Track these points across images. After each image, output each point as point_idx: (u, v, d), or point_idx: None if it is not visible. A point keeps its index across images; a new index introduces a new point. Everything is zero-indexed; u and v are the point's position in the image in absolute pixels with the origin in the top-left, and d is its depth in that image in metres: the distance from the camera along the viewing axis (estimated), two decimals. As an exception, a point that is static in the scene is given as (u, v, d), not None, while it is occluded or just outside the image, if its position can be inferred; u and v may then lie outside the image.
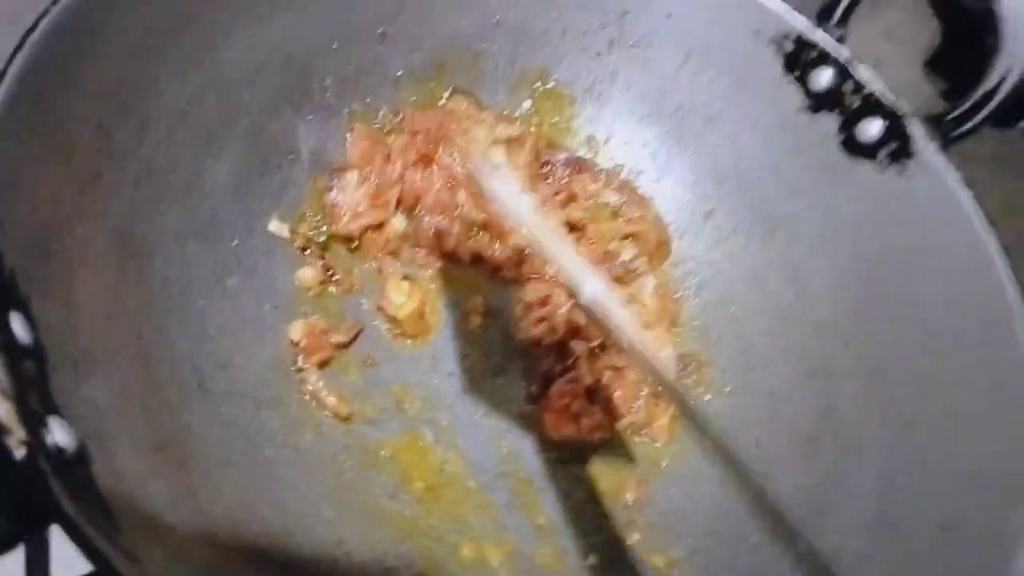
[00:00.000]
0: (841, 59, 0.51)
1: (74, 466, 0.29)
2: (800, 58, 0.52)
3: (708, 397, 0.52)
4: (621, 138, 0.59)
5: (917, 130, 0.49)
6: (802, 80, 0.53)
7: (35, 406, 0.29)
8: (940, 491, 0.42)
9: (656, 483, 0.50)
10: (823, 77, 0.52)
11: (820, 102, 0.52)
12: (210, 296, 0.45)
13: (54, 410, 0.29)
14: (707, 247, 0.57)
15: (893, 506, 0.43)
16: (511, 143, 0.55)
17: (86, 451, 0.29)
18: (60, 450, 0.28)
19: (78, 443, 0.29)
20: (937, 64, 0.82)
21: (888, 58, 0.85)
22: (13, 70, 0.34)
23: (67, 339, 0.34)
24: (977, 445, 0.43)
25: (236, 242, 0.47)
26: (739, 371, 0.52)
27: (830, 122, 0.52)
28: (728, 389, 0.52)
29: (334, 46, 0.52)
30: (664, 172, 0.58)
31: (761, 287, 0.55)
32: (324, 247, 0.52)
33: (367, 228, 0.52)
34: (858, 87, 0.51)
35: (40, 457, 0.26)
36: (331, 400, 0.46)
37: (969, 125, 0.50)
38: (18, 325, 0.31)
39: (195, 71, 0.45)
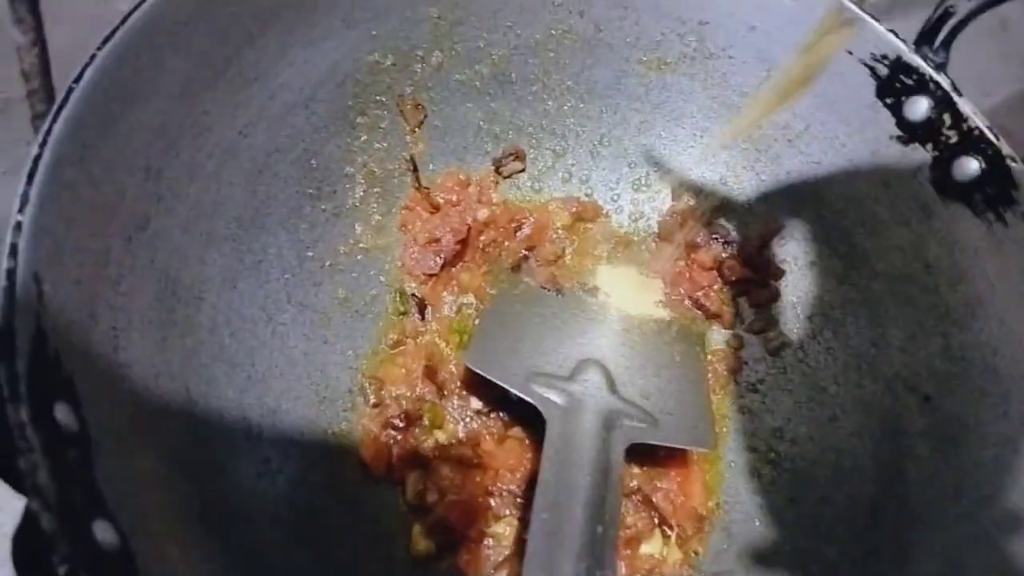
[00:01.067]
0: (941, 88, 0.46)
1: (118, 568, 0.29)
2: (896, 84, 0.47)
3: (770, 453, 0.50)
4: (689, 156, 0.56)
5: (1021, 175, 0.44)
6: (896, 108, 0.48)
7: (79, 506, 0.28)
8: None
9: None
10: (919, 106, 0.47)
11: (914, 133, 0.48)
12: (260, 336, 0.44)
13: (99, 508, 0.29)
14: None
15: (958, 592, 0.41)
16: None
17: (130, 547, 0.29)
18: (103, 557, 0.28)
19: (121, 540, 0.29)
20: None
21: (1014, 20, 0.78)
22: (57, 131, 0.33)
23: (113, 411, 0.34)
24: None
25: (287, 276, 0.46)
26: (804, 420, 0.50)
27: (923, 156, 0.47)
28: (791, 440, 0.50)
29: (391, 62, 0.50)
30: (736, 194, 0.55)
31: (834, 329, 0.51)
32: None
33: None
34: (957, 121, 0.46)
35: (83, 573, 0.26)
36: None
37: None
38: (63, 414, 0.30)
39: (245, 103, 0.44)
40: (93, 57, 0.36)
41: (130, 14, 0.37)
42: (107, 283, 0.36)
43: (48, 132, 0.33)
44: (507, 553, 0.44)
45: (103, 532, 0.29)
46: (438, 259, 0.51)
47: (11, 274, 0.30)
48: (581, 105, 0.55)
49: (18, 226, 0.31)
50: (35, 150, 0.33)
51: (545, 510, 0.38)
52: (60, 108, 0.34)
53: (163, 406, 0.38)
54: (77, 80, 0.34)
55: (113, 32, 0.37)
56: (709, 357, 0.52)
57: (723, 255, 0.54)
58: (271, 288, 0.46)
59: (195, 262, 0.42)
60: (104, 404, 0.33)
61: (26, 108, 0.53)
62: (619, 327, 0.51)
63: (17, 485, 0.29)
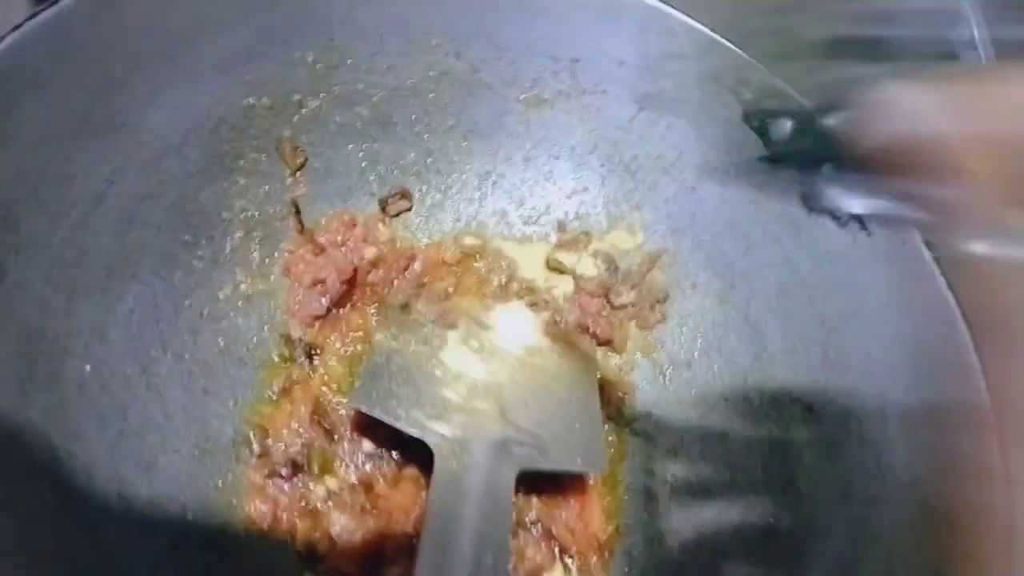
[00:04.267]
0: (802, 108, 0.48)
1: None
2: (760, 106, 0.50)
3: (666, 474, 0.50)
4: (572, 188, 0.57)
5: (879, 187, 0.46)
6: (762, 129, 0.50)
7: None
8: (900, 577, 0.41)
9: None
10: (783, 127, 0.50)
11: (780, 153, 0.50)
12: (132, 389, 0.42)
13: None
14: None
15: (852, 596, 0.41)
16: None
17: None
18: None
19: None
20: None
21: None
22: None
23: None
24: (936, 527, 0.41)
25: (163, 326, 0.45)
26: (697, 439, 0.51)
27: (790, 174, 0.50)
28: (686, 459, 0.50)
29: (268, 105, 0.50)
30: (618, 224, 0.56)
31: (719, 346, 0.53)
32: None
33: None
34: (820, 138, 0.48)
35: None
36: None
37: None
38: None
39: (112, 150, 0.42)
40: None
41: (-24, 60, 0.36)
42: (-46, 340, 0.34)
43: None
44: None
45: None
46: (323, 300, 0.50)
47: None
48: (464, 143, 0.56)
49: None
50: None
51: (430, 547, 0.37)
52: None
53: (25, 466, 0.35)
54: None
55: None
56: (600, 382, 0.52)
57: (609, 282, 0.54)
58: (145, 339, 0.44)
59: (60, 314, 0.40)
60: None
61: None
62: (510, 357, 0.51)
63: None
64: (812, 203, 0.50)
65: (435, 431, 0.43)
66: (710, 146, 0.53)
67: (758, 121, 0.50)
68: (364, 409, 0.43)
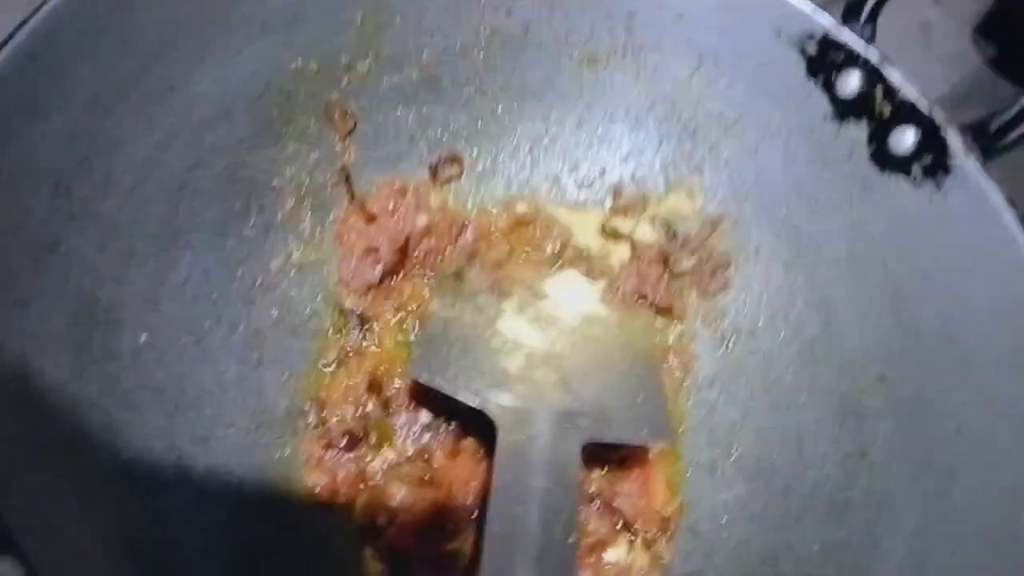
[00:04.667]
0: (871, 61, 0.46)
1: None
2: (825, 61, 0.47)
3: (731, 447, 0.48)
4: (627, 150, 0.55)
5: (955, 141, 0.44)
6: (828, 85, 0.48)
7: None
8: (982, 553, 0.39)
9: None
10: (851, 81, 0.47)
11: (848, 109, 0.47)
12: (187, 360, 0.42)
13: (4, 545, 0.26)
14: (724, 270, 0.53)
15: (930, 571, 0.39)
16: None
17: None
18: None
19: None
20: (987, 29, 0.77)
21: (935, 22, 0.80)
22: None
23: (27, 441, 0.31)
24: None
25: (216, 296, 0.44)
26: (763, 410, 0.49)
27: (859, 131, 0.47)
28: (752, 431, 0.48)
29: (315, 69, 0.48)
30: (676, 187, 0.54)
31: (784, 315, 0.50)
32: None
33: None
34: (889, 92, 0.46)
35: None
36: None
37: (1013, 136, 0.45)
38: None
39: (162, 116, 0.41)
40: (-9, 64, 0.33)
41: (27, 20, 0.35)
42: (15, 306, 0.33)
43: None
44: (465, 572, 0.42)
45: (7, 569, 0.26)
46: (377, 269, 0.49)
47: None
48: (515, 106, 0.54)
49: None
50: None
51: (497, 520, 0.35)
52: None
53: (82, 437, 0.35)
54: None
55: (9, 38, 0.34)
56: (660, 353, 0.50)
57: (669, 248, 0.52)
58: (199, 309, 0.43)
59: (113, 283, 0.39)
60: (16, 434, 0.31)
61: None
62: (567, 327, 0.49)
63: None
64: (884, 161, 0.47)
65: (496, 402, 0.42)
66: (773, 104, 0.50)
67: (824, 76, 0.48)
68: (423, 380, 0.42)
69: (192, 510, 0.38)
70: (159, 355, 0.40)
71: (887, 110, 0.46)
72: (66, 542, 0.31)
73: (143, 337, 0.40)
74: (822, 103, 0.48)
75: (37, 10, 0.35)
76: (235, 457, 0.41)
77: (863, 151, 0.47)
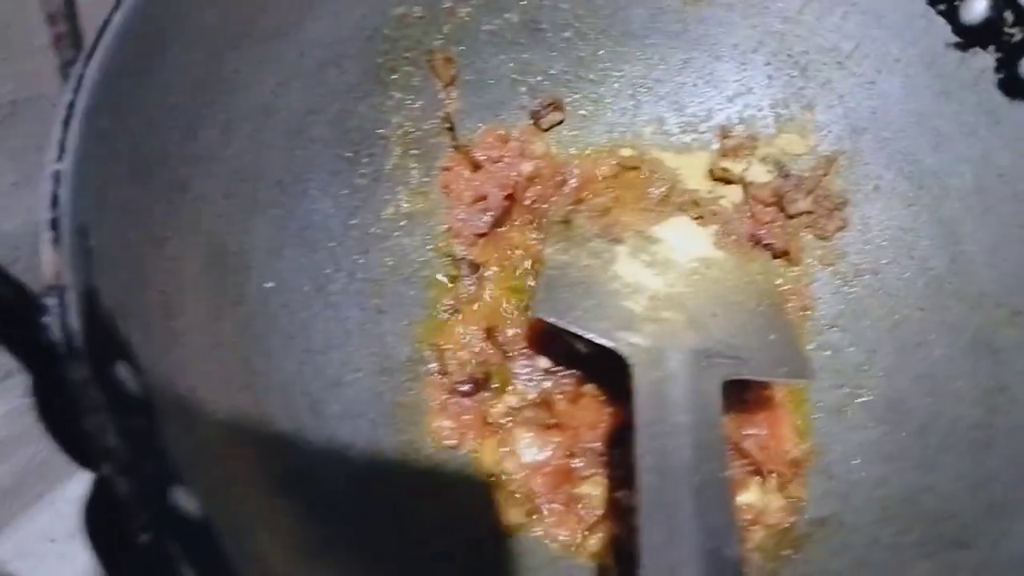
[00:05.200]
0: (999, -16, 0.43)
1: (202, 542, 0.25)
2: (948, -14, 0.45)
3: (858, 388, 0.47)
4: (734, 90, 0.53)
5: (1096, 64, 0.41)
6: (950, 12, 0.46)
7: (153, 474, 0.25)
8: None
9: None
10: (976, 6, 0.45)
11: (973, 36, 0.45)
12: (311, 307, 0.41)
13: (175, 477, 0.26)
14: (844, 208, 0.51)
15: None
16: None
17: (212, 520, 0.26)
18: (187, 526, 0.25)
19: (203, 512, 0.26)
20: None
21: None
22: (90, 76, 0.30)
23: (174, 380, 0.30)
24: None
25: (333, 244, 0.43)
26: (891, 351, 0.47)
27: (986, 59, 0.45)
28: (880, 372, 0.47)
29: (419, 15, 0.47)
30: (787, 126, 0.52)
31: (909, 252, 0.48)
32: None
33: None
34: (1020, 17, 0.43)
35: (169, 541, 0.23)
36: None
37: None
38: (125, 375, 0.27)
39: (276, 60, 0.41)
40: (119, 3, 0.33)
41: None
42: (154, 245, 0.33)
43: (81, 77, 0.30)
44: (599, 514, 0.41)
45: (183, 499, 0.26)
46: (487, 217, 0.48)
47: (55, 224, 0.27)
48: (617, 49, 0.52)
49: (56, 175, 0.28)
50: (67, 96, 0.30)
51: (650, 452, 0.34)
52: (92, 51, 0.31)
53: (223, 378, 0.34)
54: (106, 23, 0.32)
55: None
56: (783, 293, 0.49)
57: (783, 189, 0.51)
58: (318, 257, 0.43)
59: (239, 229, 0.39)
60: (164, 373, 0.30)
61: (35, 110, 0.50)
62: (684, 270, 0.48)
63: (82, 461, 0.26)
64: (1014, 89, 0.45)
65: (627, 340, 0.40)
66: (891, 34, 0.48)
67: (946, 2, 0.46)
68: (551, 319, 0.41)
69: (331, 455, 0.38)
70: (285, 301, 0.40)
71: (1017, 35, 0.44)
72: (221, 479, 0.31)
73: (270, 283, 0.40)
74: (944, 31, 0.46)
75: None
76: (365, 402, 0.41)
77: (990, 79, 0.45)
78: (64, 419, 0.25)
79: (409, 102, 0.48)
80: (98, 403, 0.25)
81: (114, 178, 0.31)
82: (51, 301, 0.26)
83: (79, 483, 0.56)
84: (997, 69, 0.45)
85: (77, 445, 0.24)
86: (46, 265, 0.26)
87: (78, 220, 0.28)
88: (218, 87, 0.38)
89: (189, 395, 0.32)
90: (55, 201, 0.28)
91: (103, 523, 0.24)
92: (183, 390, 0.31)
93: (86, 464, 0.24)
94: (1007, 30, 0.44)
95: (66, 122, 0.29)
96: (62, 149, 0.29)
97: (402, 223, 0.48)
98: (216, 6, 0.37)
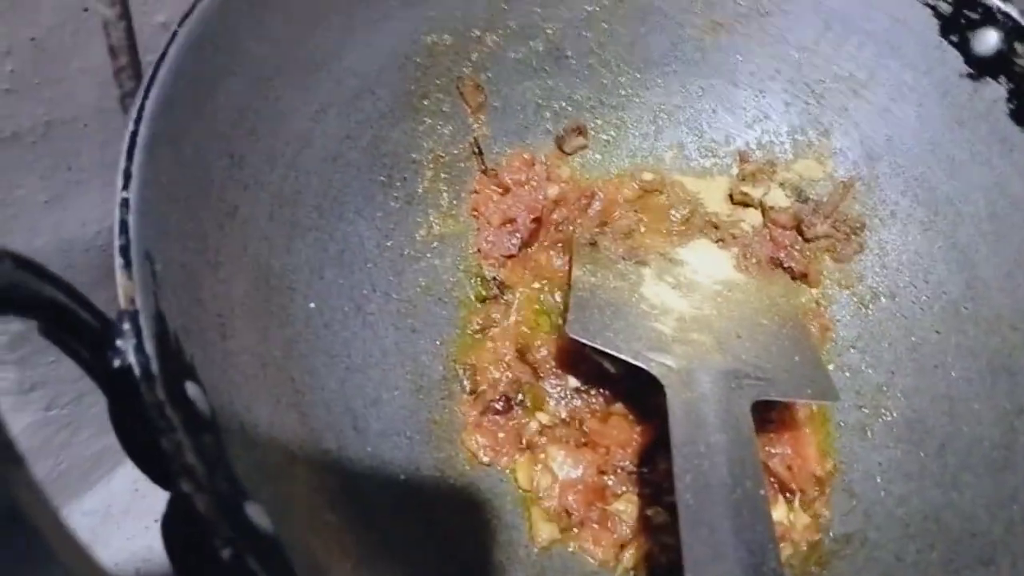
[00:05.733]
0: (1009, 18, 0.45)
1: (275, 556, 0.26)
2: (960, 19, 0.47)
3: (879, 409, 0.48)
4: (753, 116, 0.54)
5: (1104, 96, 0.43)
6: (963, 44, 0.47)
7: (226, 491, 0.26)
8: None
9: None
10: (988, 39, 0.46)
11: (985, 68, 0.47)
12: (351, 327, 0.42)
13: (246, 492, 0.27)
14: (860, 234, 0.52)
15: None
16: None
17: (279, 532, 0.27)
18: (262, 541, 0.26)
19: (271, 525, 0.27)
20: None
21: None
22: (150, 108, 0.31)
23: (232, 400, 0.31)
24: None
25: (370, 265, 0.45)
26: (910, 372, 0.48)
27: (997, 90, 0.47)
28: (899, 393, 0.48)
29: (448, 43, 0.49)
30: (805, 152, 0.54)
31: (925, 277, 0.50)
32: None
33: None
34: (1031, 49, 0.45)
35: (249, 556, 0.24)
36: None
37: None
38: (195, 395, 0.28)
39: (315, 88, 0.42)
40: (175, 34, 0.34)
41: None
42: (208, 268, 0.34)
43: (141, 108, 0.31)
44: (632, 530, 0.42)
45: (257, 515, 0.26)
46: (516, 239, 0.49)
47: (125, 251, 0.28)
48: (638, 75, 0.54)
49: (125, 203, 0.29)
50: (131, 126, 0.31)
51: (688, 471, 0.35)
52: (150, 83, 0.32)
53: (274, 396, 0.35)
54: (163, 57, 0.33)
55: (191, 10, 0.35)
56: (804, 315, 0.50)
57: (801, 213, 0.52)
58: (356, 278, 0.44)
59: (282, 251, 0.40)
60: (224, 392, 0.31)
61: (69, 131, 0.51)
62: (709, 292, 0.49)
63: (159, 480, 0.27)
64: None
65: (659, 362, 0.42)
66: (905, 64, 0.50)
67: (959, 34, 0.47)
68: (584, 340, 0.42)
69: (374, 472, 0.39)
70: (327, 321, 0.41)
71: (1028, 66, 0.45)
72: (282, 496, 0.32)
73: (312, 304, 0.41)
74: (957, 62, 0.48)
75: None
76: (403, 420, 0.42)
77: (1002, 109, 0.47)
78: (142, 439, 0.26)
79: (440, 127, 0.50)
80: (174, 423, 0.25)
81: (173, 205, 0.32)
82: (125, 326, 0.27)
83: (96, 496, 0.57)
84: (1009, 99, 0.46)
85: (155, 464, 0.25)
86: (120, 290, 0.27)
87: (144, 246, 0.29)
88: (262, 115, 0.39)
89: (245, 414, 0.32)
90: (124, 228, 0.29)
91: (183, 540, 0.25)
92: (240, 409, 0.32)
93: (164, 483, 0.25)
94: (1018, 61, 0.46)
95: (130, 152, 0.30)
96: (128, 177, 0.30)
97: (434, 245, 0.49)
98: (263, 39, 0.38)
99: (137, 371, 0.26)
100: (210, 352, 0.32)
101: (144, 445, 0.26)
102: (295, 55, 0.41)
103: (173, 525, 0.25)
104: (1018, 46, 0.46)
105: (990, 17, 0.46)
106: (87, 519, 0.57)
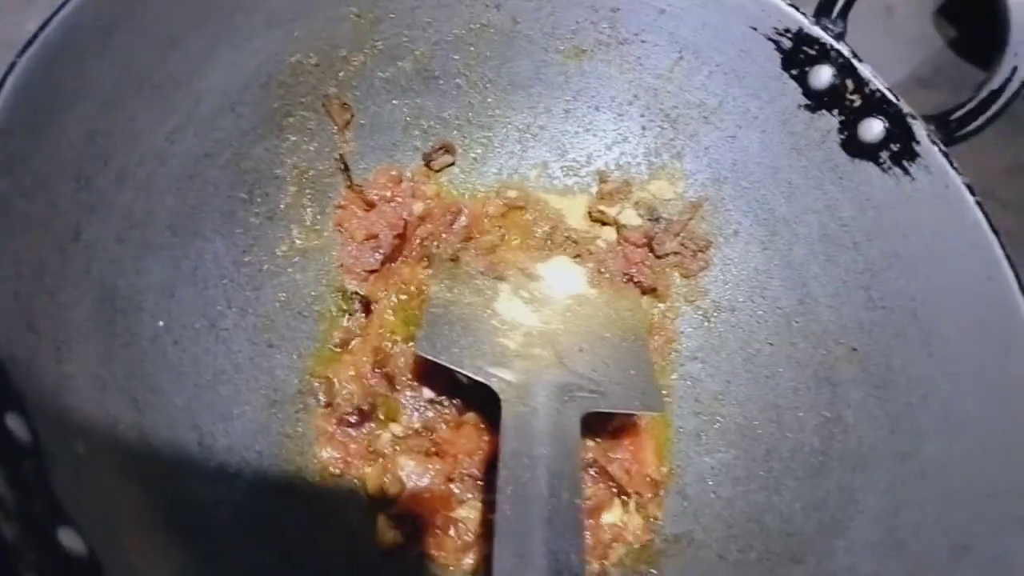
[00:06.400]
0: (842, 56, 0.49)
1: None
2: (799, 55, 0.50)
3: (715, 416, 0.52)
4: (612, 138, 0.57)
5: (921, 131, 0.47)
6: (801, 78, 0.51)
7: (41, 517, 0.27)
8: (951, 509, 0.42)
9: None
10: (823, 75, 0.50)
11: (820, 100, 0.51)
12: (202, 343, 0.43)
13: (61, 517, 0.28)
14: (705, 251, 0.56)
15: (903, 525, 0.43)
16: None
17: (97, 556, 0.29)
18: (72, 565, 0.27)
19: (88, 548, 0.28)
20: (949, 12, 0.80)
21: (897, 5, 0.83)
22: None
23: (63, 423, 0.33)
24: (988, 460, 0.43)
25: (226, 282, 0.46)
26: (744, 381, 0.52)
27: (831, 121, 0.51)
28: (734, 401, 0.52)
29: (314, 62, 0.50)
30: (659, 173, 0.57)
31: (762, 292, 0.54)
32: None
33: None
34: (859, 85, 0.49)
35: (52, 580, 0.25)
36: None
37: (974, 125, 0.48)
38: (14, 424, 0.29)
39: (172, 109, 0.43)
40: (13, 65, 0.35)
41: (49, 20, 0.36)
42: (45, 295, 0.35)
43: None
44: (474, 535, 0.44)
45: (69, 540, 0.28)
46: (378, 254, 0.51)
47: (-54, 286, 0.29)
48: (505, 96, 0.56)
49: (-53, 239, 0.30)
50: (-41, 159, 0.32)
51: (510, 482, 0.38)
52: (-18, 117, 0.33)
53: (112, 418, 0.37)
54: (-2, 88, 0.34)
55: (32, 40, 0.36)
56: (648, 329, 0.53)
57: (652, 231, 0.55)
58: (210, 295, 0.45)
59: (131, 271, 0.41)
60: (53, 416, 0.32)
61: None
62: (560, 307, 0.52)
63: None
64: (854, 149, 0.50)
65: (499, 376, 0.44)
66: (750, 94, 0.53)
67: (798, 68, 0.51)
68: (431, 356, 0.45)
69: (218, 486, 0.40)
70: (176, 339, 0.42)
71: (857, 101, 0.49)
72: (111, 518, 0.33)
73: (161, 322, 0.42)
74: (796, 94, 0.51)
75: (58, 11, 0.37)
76: (253, 434, 0.44)
77: (834, 139, 0.51)
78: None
79: (304, 144, 0.51)
80: (-16, 455, 0.27)
81: (7, 236, 0.33)
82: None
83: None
84: (840, 130, 0.50)
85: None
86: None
87: (-33, 280, 0.30)
88: (113, 137, 0.40)
89: (77, 436, 0.34)
90: (-54, 262, 0.30)
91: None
92: (72, 431, 0.33)
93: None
94: (849, 96, 0.49)
95: (-43, 184, 0.31)
96: (-48, 211, 0.31)
97: (295, 259, 0.50)
98: (113, 64, 0.39)
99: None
100: (41, 378, 0.33)
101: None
102: (149, 77, 0.42)
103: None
104: (849, 82, 0.49)
105: (825, 54, 0.50)
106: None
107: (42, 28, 0.36)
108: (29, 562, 0.26)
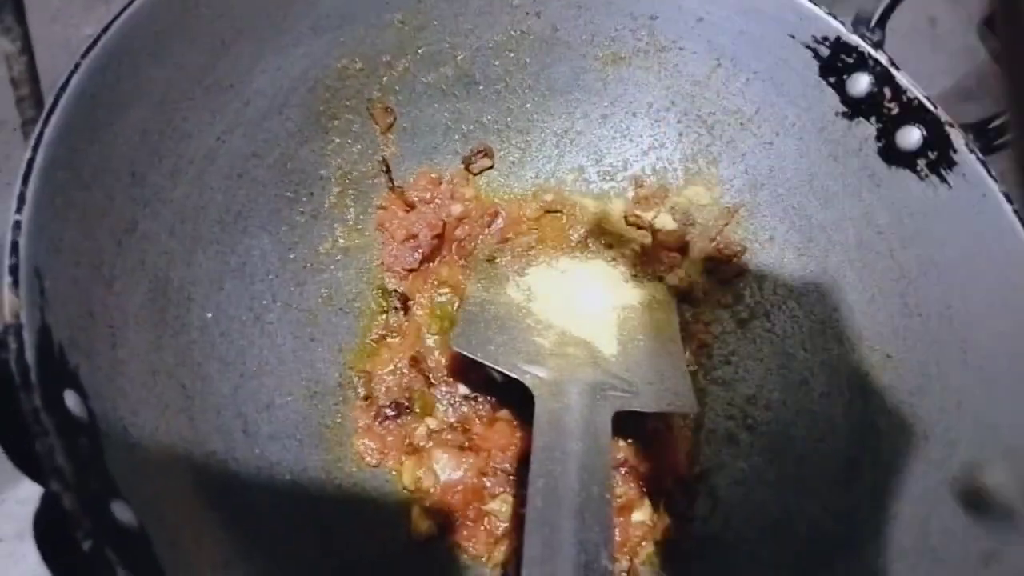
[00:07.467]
0: (880, 64, 0.49)
1: (137, 550, 0.29)
2: (837, 63, 0.51)
3: (746, 419, 0.52)
4: (648, 144, 0.58)
5: (958, 139, 0.47)
6: (839, 85, 0.51)
7: (95, 489, 0.29)
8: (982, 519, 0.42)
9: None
10: (861, 82, 0.51)
11: (858, 108, 0.51)
12: (248, 335, 0.45)
13: (114, 491, 0.30)
14: (741, 256, 0.56)
15: (934, 532, 0.43)
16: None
17: (147, 530, 0.30)
18: (124, 535, 0.29)
19: (139, 523, 0.30)
20: (993, 24, 0.80)
21: (942, 16, 0.83)
22: (48, 135, 0.34)
23: (117, 404, 0.34)
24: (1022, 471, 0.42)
25: (271, 277, 0.48)
26: (777, 386, 0.52)
27: (868, 129, 0.51)
28: (766, 405, 0.52)
29: (359, 67, 0.52)
30: (695, 179, 0.57)
31: (797, 298, 0.54)
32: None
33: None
34: (897, 93, 0.49)
35: (107, 548, 0.27)
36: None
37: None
38: (72, 402, 0.31)
39: (222, 110, 0.45)
40: (77, 66, 0.37)
41: (110, 25, 0.38)
42: (101, 283, 0.37)
43: (40, 136, 0.34)
44: (505, 528, 0.45)
45: (121, 512, 0.30)
46: (417, 254, 0.52)
47: (14, 270, 0.31)
48: (543, 102, 0.57)
49: (17, 225, 0.32)
50: (28, 153, 0.34)
51: (541, 476, 0.39)
52: (50, 113, 0.35)
53: (162, 402, 0.38)
54: (64, 87, 0.35)
55: (95, 42, 0.38)
56: (681, 332, 0.54)
57: (687, 236, 0.56)
58: (256, 289, 0.47)
59: (182, 264, 0.43)
60: (108, 398, 0.34)
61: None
62: (595, 307, 0.53)
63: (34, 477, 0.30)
64: (891, 156, 0.50)
65: (532, 373, 0.45)
66: (788, 101, 0.54)
67: (836, 76, 0.51)
68: (466, 352, 0.46)
69: (260, 471, 0.42)
70: (224, 330, 0.44)
71: (895, 109, 0.49)
72: (160, 496, 0.35)
73: (209, 314, 0.43)
74: (834, 101, 0.52)
75: (117, 16, 0.39)
76: (294, 424, 0.45)
77: (872, 146, 0.51)
78: (20, 441, 0.28)
79: (349, 146, 0.53)
80: (48, 428, 0.28)
81: (68, 225, 0.35)
82: (9, 338, 0.30)
83: (28, 486, 0.59)
84: (878, 138, 0.50)
85: (31, 464, 0.28)
86: (6, 306, 0.30)
87: (34, 264, 0.32)
88: (167, 136, 0.42)
89: (130, 418, 0.35)
90: (15, 248, 0.31)
91: (51, 531, 0.28)
92: (124, 413, 0.35)
93: (39, 480, 0.28)
94: (887, 104, 0.50)
95: (26, 177, 0.33)
96: (21, 201, 0.32)
97: (338, 257, 0.52)
98: (168, 66, 0.41)
99: (17, 380, 0.29)
100: (97, 361, 0.35)
101: (24, 446, 0.29)
102: (201, 80, 0.44)
103: (43, 518, 0.29)
104: (887, 90, 0.50)
105: (863, 62, 0.50)
106: (20, 507, 0.59)
107: (103, 33, 0.38)
108: (86, 530, 0.27)
